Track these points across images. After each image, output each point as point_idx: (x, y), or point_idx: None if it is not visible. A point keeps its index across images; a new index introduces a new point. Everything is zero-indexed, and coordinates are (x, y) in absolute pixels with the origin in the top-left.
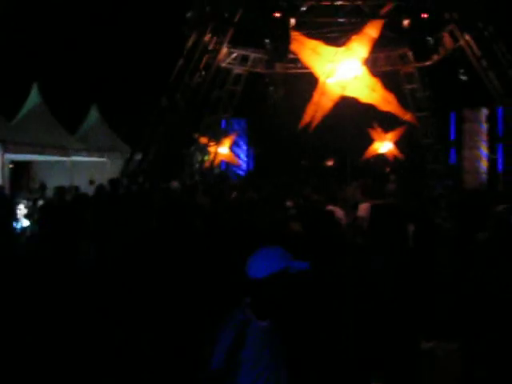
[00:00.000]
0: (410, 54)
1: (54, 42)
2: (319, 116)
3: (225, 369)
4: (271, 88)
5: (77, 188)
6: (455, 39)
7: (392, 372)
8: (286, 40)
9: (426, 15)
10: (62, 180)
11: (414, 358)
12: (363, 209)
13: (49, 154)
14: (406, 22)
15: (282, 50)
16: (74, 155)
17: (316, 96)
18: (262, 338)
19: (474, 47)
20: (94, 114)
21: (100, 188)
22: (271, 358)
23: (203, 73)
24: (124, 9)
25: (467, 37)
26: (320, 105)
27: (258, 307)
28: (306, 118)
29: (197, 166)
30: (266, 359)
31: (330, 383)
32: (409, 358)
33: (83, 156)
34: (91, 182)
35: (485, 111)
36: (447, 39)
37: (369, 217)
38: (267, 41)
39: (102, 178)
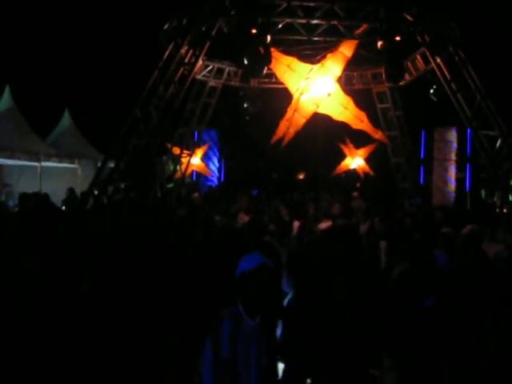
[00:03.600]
0: (383, 73)
1: (28, 44)
2: (292, 132)
3: (232, 358)
4: (246, 102)
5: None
6: (427, 61)
7: None
8: (263, 56)
9: (399, 38)
10: (31, 186)
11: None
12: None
13: (18, 159)
14: (379, 44)
15: (257, 65)
16: (44, 161)
17: (289, 112)
18: (250, 335)
19: (445, 70)
20: (66, 120)
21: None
22: (256, 357)
23: (178, 85)
24: (101, 17)
25: (438, 60)
26: (293, 121)
27: (247, 304)
28: (279, 133)
29: (168, 175)
30: (252, 357)
31: None
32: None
33: (54, 162)
34: None
35: (454, 131)
36: (419, 61)
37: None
38: (243, 56)
39: (73, 185)
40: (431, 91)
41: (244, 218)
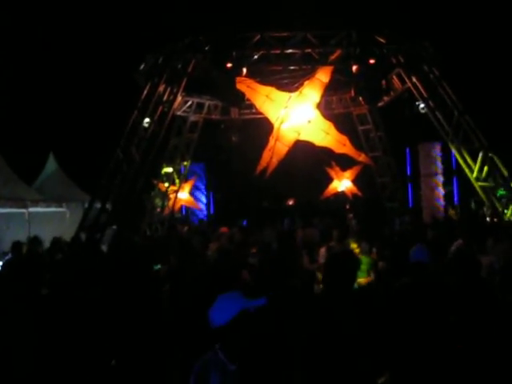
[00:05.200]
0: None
1: (9, 90)
2: (274, 161)
3: None
4: (228, 135)
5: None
6: (403, 81)
7: None
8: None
9: (373, 61)
10: (19, 233)
11: None
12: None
13: (5, 207)
14: (354, 68)
15: (236, 97)
16: (32, 207)
17: (271, 141)
18: (234, 380)
19: (421, 88)
20: (51, 164)
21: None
22: None
23: (158, 123)
24: (81, 62)
25: (414, 79)
26: (275, 150)
27: (228, 351)
28: (262, 163)
29: (157, 212)
30: None
31: None
32: None
33: (41, 207)
34: None
35: (438, 145)
36: (396, 81)
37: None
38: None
39: (62, 229)
40: (404, 108)
41: None
